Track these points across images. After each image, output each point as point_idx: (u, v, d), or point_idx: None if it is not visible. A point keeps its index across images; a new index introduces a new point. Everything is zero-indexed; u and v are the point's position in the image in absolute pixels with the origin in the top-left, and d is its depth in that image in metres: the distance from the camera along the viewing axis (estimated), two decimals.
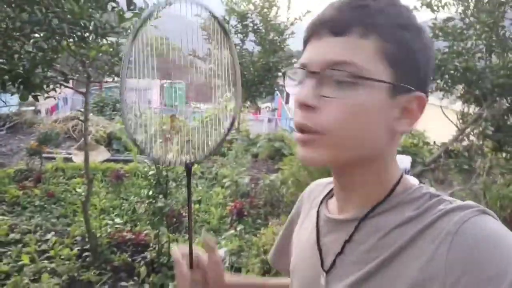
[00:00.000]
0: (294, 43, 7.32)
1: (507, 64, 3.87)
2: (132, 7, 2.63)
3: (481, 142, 4.03)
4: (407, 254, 0.50)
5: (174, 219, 3.22)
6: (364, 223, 0.57)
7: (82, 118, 7.75)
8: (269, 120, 20.31)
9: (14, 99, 8.63)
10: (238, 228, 3.33)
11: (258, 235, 3.09)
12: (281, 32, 6.96)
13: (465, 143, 4.18)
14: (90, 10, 2.44)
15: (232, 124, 0.78)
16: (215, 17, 0.73)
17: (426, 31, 0.55)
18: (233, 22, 6.73)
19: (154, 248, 3.30)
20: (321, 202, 0.69)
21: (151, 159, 0.75)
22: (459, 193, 3.49)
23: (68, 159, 5.93)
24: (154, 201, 3.04)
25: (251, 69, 6.70)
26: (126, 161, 6.00)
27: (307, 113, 0.52)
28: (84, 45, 2.72)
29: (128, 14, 2.61)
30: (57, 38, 2.67)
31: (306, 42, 0.57)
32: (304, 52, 0.56)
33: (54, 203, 4.47)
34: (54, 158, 5.72)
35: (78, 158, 5.93)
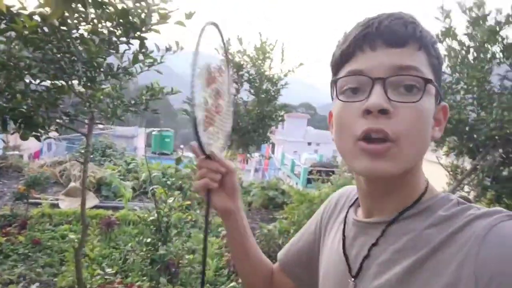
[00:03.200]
0: (287, 94, 7.50)
1: (498, 117, 4.02)
2: (143, 50, 2.66)
3: (477, 194, 4.05)
4: (438, 257, 0.50)
5: (174, 269, 3.04)
6: (392, 227, 0.58)
7: (70, 162, 7.57)
8: (256, 170, 20.30)
9: (0, 143, 8.43)
10: (240, 280, 3.14)
11: None
12: (275, 83, 7.14)
13: (460, 194, 4.20)
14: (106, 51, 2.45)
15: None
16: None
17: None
18: (231, 71, 6.89)
19: None
20: (349, 208, 0.71)
21: (199, 142, 0.71)
22: None
23: (54, 205, 5.68)
24: (152, 248, 2.88)
25: (246, 117, 6.78)
26: (115, 208, 5.79)
27: (381, 119, 0.52)
28: (93, 86, 2.70)
29: (140, 57, 2.63)
30: (66, 78, 2.66)
31: (350, 54, 0.58)
32: (354, 63, 0.57)
33: (39, 251, 4.20)
34: (40, 204, 5.47)
35: (65, 204, 5.70)
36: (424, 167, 0.62)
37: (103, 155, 8.89)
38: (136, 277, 3.57)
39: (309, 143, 31.42)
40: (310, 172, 12.92)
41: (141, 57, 2.67)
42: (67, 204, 5.74)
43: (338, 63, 0.60)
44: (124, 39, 2.48)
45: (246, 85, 7.11)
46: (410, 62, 0.53)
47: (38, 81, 2.68)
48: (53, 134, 3.11)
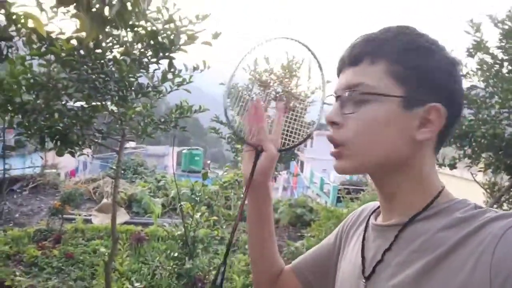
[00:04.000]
0: (314, 112, 7.48)
1: None
2: (172, 70, 2.76)
3: None
4: (454, 257, 0.52)
5: (200, 285, 3.05)
6: (405, 231, 0.61)
7: (103, 179, 7.82)
8: (284, 188, 20.17)
9: (39, 161, 8.85)
10: None
11: None
12: (302, 100, 7.16)
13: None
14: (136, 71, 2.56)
15: (310, 134, 0.87)
16: (307, 47, 0.84)
17: (441, 51, 0.62)
18: (256, 90, 6.97)
19: None
20: (371, 214, 0.75)
21: (233, 130, 0.84)
22: None
23: (87, 221, 5.87)
24: (179, 263, 2.91)
25: None
26: (145, 224, 5.91)
27: (334, 129, 0.64)
28: (124, 104, 2.82)
29: (169, 75, 2.73)
30: (99, 97, 2.79)
31: (338, 75, 0.69)
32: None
33: (72, 265, 4.33)
34: (74, 219, 5.66)
35: (97, 220, 5.87)
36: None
37: (134, 172, 9.13)
38: None
39: None
40: (340, 191, 12.71)
41: (170, 76, 2.76)
42: (100, 220, 5.91)
43: None
44: (154, 59, 2.59)
45: (272, 103, 7.17)
46: (357, 79, 0.62)
47: (74, 100, 2.83)
48: (87, 151, 3.25)
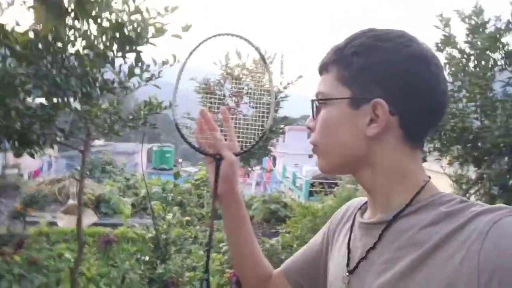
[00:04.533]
0: (287, 107, 7.46)
1: (503, 124, 3.95)
2: (140, 64, 2.61)
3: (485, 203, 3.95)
4: (440, 253, 0.52)
5: None
6: (391, 227, 0.61)
7: (69, 179, 7.49)
8: (257, 184, 20.16)
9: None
10: None
11: None
12: (275, 96, 7.10)
13: None
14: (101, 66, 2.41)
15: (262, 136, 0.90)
16: (255, 47, 0.88)
17: (396, 46, 0.62)
18: (228, 85, 6.85)
19: None
20: (358, 211, 0.74)
21: (192, 146, 0.84)
22: None
23: (52, 224, 5.59)
24: (151, 267, 2.78)
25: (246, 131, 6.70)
26: (114, 225, 5.69)
27: (311, 133, 0.70)
28: (88, 101, 2.65)
29: (136, 71, 2.58)
30: (61, 94, 2.61)
31: None
32: None
33: (35, 271, 4.09)
34: (37, 222, 5.38)
35: (63, 222, 5.60)
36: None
37: (102, 171, 8.80)
38: None
39: (310, 156, 31.12)
40: (312, 185, 12.82)
41: (137, 71, 2.62)
42: (65, 222, 5.64)
43: None
44: (119, 53, 2.43)
45: (245, 99, 7.08)
46: (318, 89, 0.69)
47: (33, 97, 2.63)
48: (50, 152, 3.05)
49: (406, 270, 0.54)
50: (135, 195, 7.12)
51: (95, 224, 5.77)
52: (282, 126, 7.67)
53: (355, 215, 0.74)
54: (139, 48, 2.51)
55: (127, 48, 2.40)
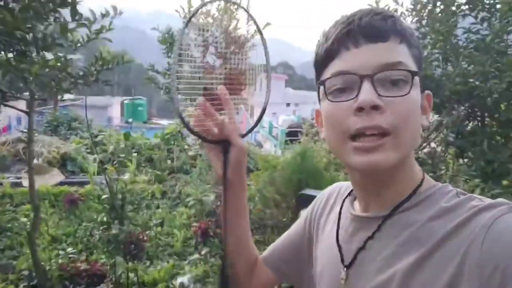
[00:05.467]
0: (254, 56, 7.28)
1: (462, 71, 3.96)
2: (77, 18, 2.42)
3: (443, 149, 4.06)
4: (443, 250, 0.51)
5: (133, 246, 2.97)
6: (389, 220, 0.59)
7: (36, 137, 7.26)
8: None
9: None
10: (203, 252, 3.11)
11: None
12: (242, 45, 6.89)
13: (427, 150, 4.21)
14: (32, 21, 2.21)
15: (263, 112, 0.83)
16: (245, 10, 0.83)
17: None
18: (192, 35, 6.59)
19: (111, 279, 3.03)
20: (343, 201, 0.71)
21: (197, 135, 0.75)
22: None
23: (17, 184, 5.48)
24: (108, 227, 2.78)
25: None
26: (82, 183, 5.63)
27: (374, 115, 0.54)
28: (24, 60, 2.47)
29: (71, 25, 2.40)
30: None
31: (334, 52, 0.59)
32: (339, 61, 0.58)
33: None
34: (0, 184, 5.26)
35: (28, 182, 5.49)
36: None
37: (69, 128, 8.56)
38: (101, 255, 3.50)
39: (288, 104, 31.26)
40: (289, 134, 12.91)
41: (72, 25, 2.43)
42: None
43: (322, 62, 0.61)
44: (50, 7, 2.23)
45: (211, 49, 6.84)
46: (395, 57, 0.56)
47: None
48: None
49: (410, 267, 0.53)
50: (104, 151, 6.99)
51: (61, 183, 5.69)
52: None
53: (342, 204, 0.72)
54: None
55: (57, 0, 2.20)
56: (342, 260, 0.64)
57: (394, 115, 0.54)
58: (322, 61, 0.61)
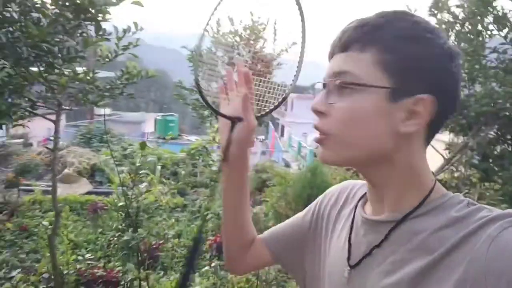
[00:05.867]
0: (280, 75, 7.34)
1: (490, 92, 3.84)
2: (101, 33, 2.58)
3: (468, 172, 3.91)
4: (451, 258, 0.51)
5: (145, 254, 3.03)
6: (400, 227, 0.59)
7: (68, 148, 7.62)
8: (263, 153, 20.26)
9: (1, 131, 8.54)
10: (213, 264, 3.12)
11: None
12: (268, 64, 6.98)
13: (451, 174, 4.07)
14: (59, 35, 2.38)
15: (285, 97, 0.82)
16: None
17: (438, 40, 0.58)
18: (219, 53, 6.76)
19: (124, 287, 3.09)
20: (358, 202, 0.72)
21: (206, 102, 0.75)
22: None
23: (47, 192, 5.74)
24: (122, 234, 2.86)
25: None
26: (108, 193, 5.82)
27: (319, 118, 0.61)
28: (52, 72, 2.65)
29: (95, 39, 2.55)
30: (25, 64, 2.60)
31: (329, 60, 0.65)
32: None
33: (26, 238, 4.26)
34: (32, 191, 5.54)
35: (59, 191, 5.74)
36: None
37: (100, 141, 8.93)
38: (118, 262, 3.59)
39: None
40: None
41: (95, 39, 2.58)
42: (61, 191, 5.79)
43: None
44: (75, 22, 2.40)
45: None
46: (342, 67, 0.59)
47: None
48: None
49: (418, 273, 0.54)
50: (132, 164, 7.20)
51: (89, 193, 5.91)
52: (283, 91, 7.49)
53: (357, 204, 0.72)
54: (99, 17, 2.47)
55: (82, 16, 2.36)
56: (349, 259, 0.65)
57: (332, 120, 0.60)
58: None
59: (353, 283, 0.64)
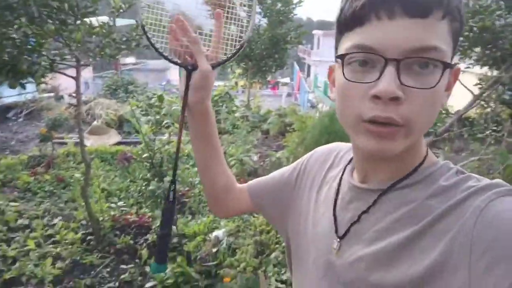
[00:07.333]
0: (320, 11, 7.01)
1: None
2: None
3: (498, 110, 3.74)
4: (436, 228, 0.50)
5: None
6: (387, 194, 0.57)
7: (95, 101, 7.82)
8: (289, 95, 20.01)
9: (31, 86, 8.83)
10: None
11: (256, 215, 3.01)
12: (288, 2, 6.66)
13: (480, 110, 3.90)
14: None
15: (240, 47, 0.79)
16: None
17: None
18: None
19: (155, 231, 3.30)
20: (345, 168, 0.69)
21: (159, 53, 0.75)
22: (471, 164, 3.27)
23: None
24: (148, 184, 3.00)
25: (258, 43, 6.49)
26: (137, 143, 6.02)
27: (390, 106, 0.49)
28: (64, 28, 2.65)
29: None
30: (39, 22, 2.61)
31: (363, 18, 0.50)
32: (366, 31, 0.50)
33: (63, 188, 4.54)
34: (65, 143, 5.80)
35: (89, 142, 6.00)
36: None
37: (126, 91, 9.06)
38: (149, 208, 3.80)
39: None
40: None
41: None
42: (92, 142, 6.05)
43: (347, 23, 0.52)
44: None
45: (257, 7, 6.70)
46: (431, 40, 0.48)
47: (15, 27, 2.66)
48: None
49: (403, 242, 0.53)
50: (158, 113, 7.34)
51: (119, 143, 6.13)
52: (302, 31, 7.16)
53: (344, 171, 0.69)
54: None
55: None
56: (336, 231, 0.64)
57: (413, 108, 0.49)
58: (347, 21, 0.52)
59: (341, 252, 0.62)
